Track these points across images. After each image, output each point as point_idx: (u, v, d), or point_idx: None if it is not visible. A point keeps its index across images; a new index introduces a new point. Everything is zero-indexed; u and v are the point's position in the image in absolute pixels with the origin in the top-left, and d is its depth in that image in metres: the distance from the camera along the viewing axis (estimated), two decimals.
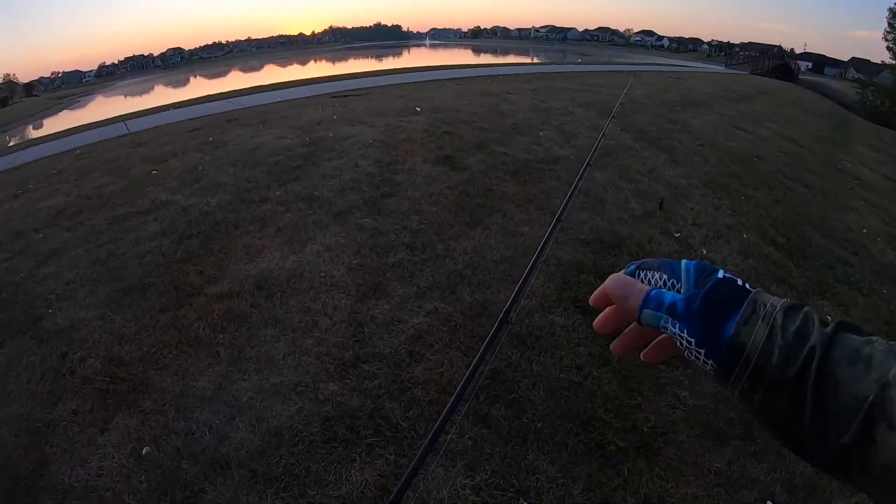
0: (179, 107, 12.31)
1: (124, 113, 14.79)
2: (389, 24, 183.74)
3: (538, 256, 1.61)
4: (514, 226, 4.14)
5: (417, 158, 5.47)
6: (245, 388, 2.62)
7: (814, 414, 0.38)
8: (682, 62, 57.88)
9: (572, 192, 1.97)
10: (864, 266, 5.06)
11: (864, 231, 6.29)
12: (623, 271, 0.52)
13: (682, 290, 0.47)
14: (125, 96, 75.89)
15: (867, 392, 0.36)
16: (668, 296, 0.46)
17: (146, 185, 5.49)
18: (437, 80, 12.98)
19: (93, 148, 8.53)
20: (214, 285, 3.49)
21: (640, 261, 0.52)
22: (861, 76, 64.91)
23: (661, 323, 0.46)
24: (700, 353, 0.44)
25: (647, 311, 0.47)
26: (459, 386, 1.24)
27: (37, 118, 53.48)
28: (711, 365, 0.44)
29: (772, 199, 6.41)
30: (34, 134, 48.10)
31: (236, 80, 77.16)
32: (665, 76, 18.72)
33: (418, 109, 7.90)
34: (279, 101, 10.20)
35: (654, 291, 0.47)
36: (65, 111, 64.24)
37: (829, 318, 0.42)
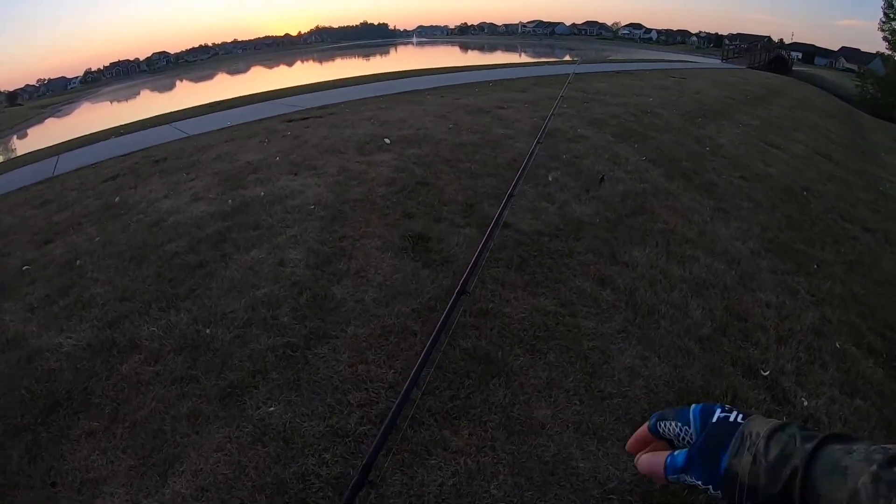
0: (122, 133, 10.40)
1: (69, 139, 12.98)
2: (376, 23, 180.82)
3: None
4: (527, 406, 2.31)
5: (374, 242, 3.62)
6: None
7: None
8: (674, 56, 56.01)
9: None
10: None
11: None
12: (647, 424, 0.63)
13: (692, 434, 0.57)
14: (110, 102, 74.17)
15: (841, 498, 0.40)
16: (679, 457, 0.55)
17: (6, 297, 3.71)
18: (417, 90, 11.06)
19: (1, 203, 6.69)
20: None
21: (660, 412, 0.62)
22: (853, 66, 63.85)
23: (682, 480, 0.54)
24: (710, 489, 0.51)
25: (671, 478, 0.56)
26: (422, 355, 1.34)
27: (17, 129, 51.32)
28: (719, 494, 0.50)
29: (844, 263, 4.84)
30: (18, 145, 46.25)
31: (218, 84, 75.51)
32: (668, 75, 16.91)
33: (387, 141, 6.04)
34: (225, 128, 8.31)
35: (668, 459, 0.56)
36: (50, 119, 62.29)
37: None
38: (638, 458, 0.61)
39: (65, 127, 54.34)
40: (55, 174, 7.67)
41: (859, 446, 0.43)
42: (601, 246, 3.84)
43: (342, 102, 9.65)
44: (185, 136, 8.31)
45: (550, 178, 4.90)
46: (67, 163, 8.28)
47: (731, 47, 43.56)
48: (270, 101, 10.86)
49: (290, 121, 7.94)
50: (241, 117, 9.16)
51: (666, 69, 19.68)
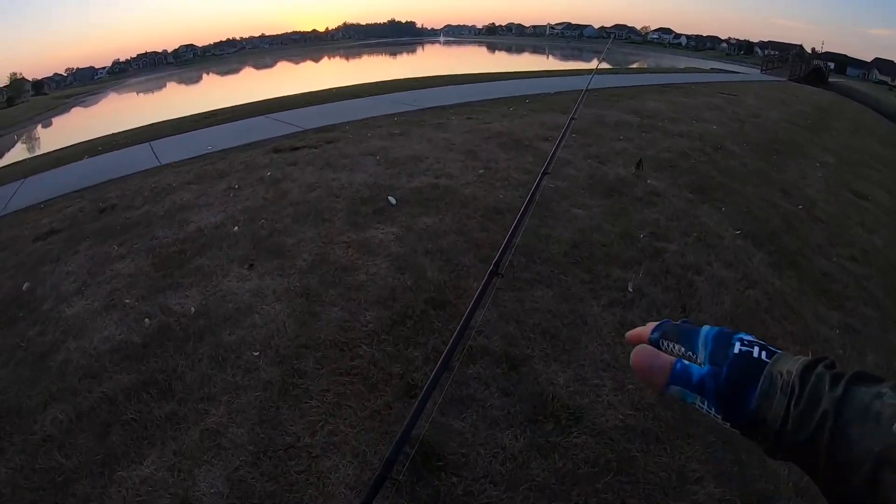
0: (100, 151, 8.85)
1: (39, 154, 11.62)
2: (404, 21, 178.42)
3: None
4: None
5: (342, 465, 1.93)
6: None
7: (827, 466, 0.38)
8: (707, 63, 53.55)
9: None
10: None
11: None
12: (648, 333, 0.52)
13: (699, 361, 0.46)
14: (137, 93, 73.90)
15: (875, 446, 0.36)
16: (695, 372, 0.45)
17: None
18: (440, 106, 9.28)
19: None
20: None
21: (663, 327, 0.51)
22: (886, 78, 60.95)
23: (689, 400, 0.46)
24: (719, 418, 0.44)
25: (674, 388, 0.46)
26: (453, 336, 1.28)
27: (38, 119, 50.45)
28: (727, 425, 0.43)
29: None
30: (41, 134, 45.45)
31: (240, 80, 74.98)
32: (716, 90, 14.98)
33: (392, 201, 4.36)
34: (202, 156, 6.68)
35: (679, 366, 0.46)
36: (76, 108, 61.82)
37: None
38: (637, 351, 0.49)
39: (89, 116, 53.74)
40: (2, 213, 6.17)
41: (887, 389, 0.37)
42: (722, 459, 2.15)
43: (348, 123, 7.97)
44: (155, 165, 6.73)
45: (630, 289, 3.20)
46: (25, 194, 6.77)
47: (768, 57, 41.16)
48: (268, 116, 9.23)
49: (277, 151, 6.29)
50: (228, 138, 7.56)
51: (709, 82, 17.71)
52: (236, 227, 3.94)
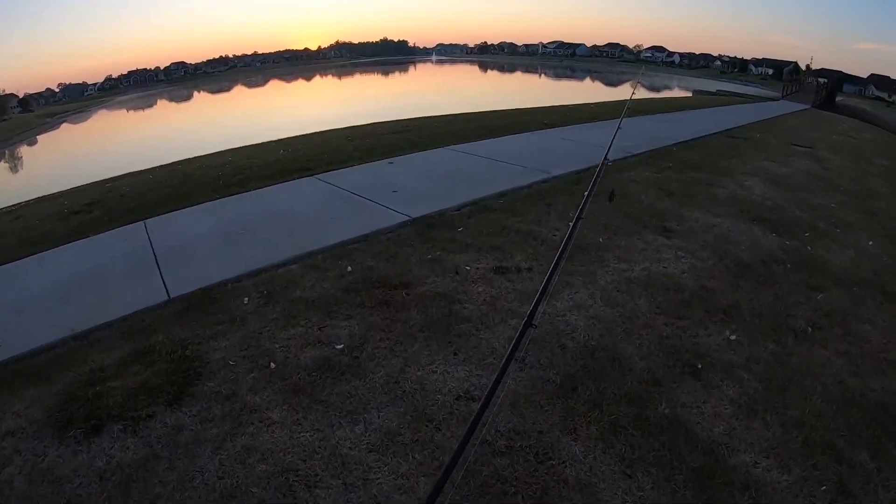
0: None
1: None
2: (396, 40, 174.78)
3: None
4: None
5: None
6: None
7: None
8: (702, 80, 50.30)
9: None
10: None
11: None
12: None
13: None
14: (127, 110, 70.36)
15: None
16: None
17: None
18: (437, 216, 5.32)
19: None
20: None
21: None
22: (883, 94, 58.21)
23: None
24: None
25: None
26: (488, 390, 1.27)
27: (16, 140, 46.58)
28: None
29: None
30: (24, 153, 41.33)
31: (235, 97, 71.66)
32: (785, 140, 11.40)
33: None
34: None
35: None
36: (65, 124, 58.17)
37: None
38: None
39: (56, 142, 49.97)
40: None
41: None
42: None
43: (262, 272, 4.19)
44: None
45: None
46: None
47: (752, 71, 38.05)
48: (147, 224, 5.45)
49: (66, 425, 2.53)
50: (42, 311, 3.82)
51: (759, 122, 14.07)
52: None
